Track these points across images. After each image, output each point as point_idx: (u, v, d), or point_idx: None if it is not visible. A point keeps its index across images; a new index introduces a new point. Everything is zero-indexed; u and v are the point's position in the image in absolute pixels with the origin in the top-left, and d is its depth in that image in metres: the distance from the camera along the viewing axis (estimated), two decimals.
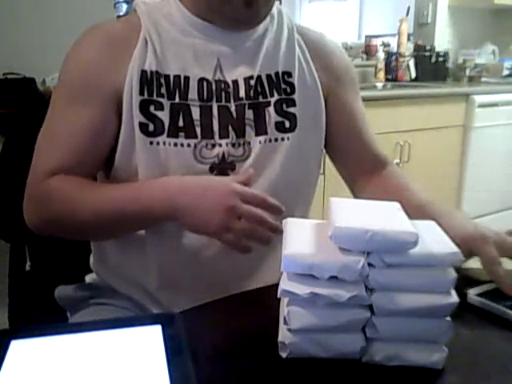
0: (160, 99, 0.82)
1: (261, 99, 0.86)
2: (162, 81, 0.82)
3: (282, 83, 0.88)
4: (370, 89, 2.84)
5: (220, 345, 0.64)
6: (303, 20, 4.40)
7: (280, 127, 0.87)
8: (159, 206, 0.76)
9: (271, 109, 0.87)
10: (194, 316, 0.70)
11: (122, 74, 0.81)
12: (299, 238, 0.61)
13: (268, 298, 0.65)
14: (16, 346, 0.49)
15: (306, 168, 0.92)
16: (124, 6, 2.08)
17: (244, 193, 0.72)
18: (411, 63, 3.10)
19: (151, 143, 0.81)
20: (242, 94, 0.85)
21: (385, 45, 3.15)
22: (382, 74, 3.01)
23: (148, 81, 0.81)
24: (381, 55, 3.02)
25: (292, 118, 0.88)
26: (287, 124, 0.88)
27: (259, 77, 0.87)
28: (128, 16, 0.91)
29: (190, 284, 0.86)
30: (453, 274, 0.57)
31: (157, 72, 0.82)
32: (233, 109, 0.84)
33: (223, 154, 0.84)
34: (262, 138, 0.86)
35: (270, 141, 0.86)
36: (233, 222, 0.71)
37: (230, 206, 0.71)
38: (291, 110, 0.88)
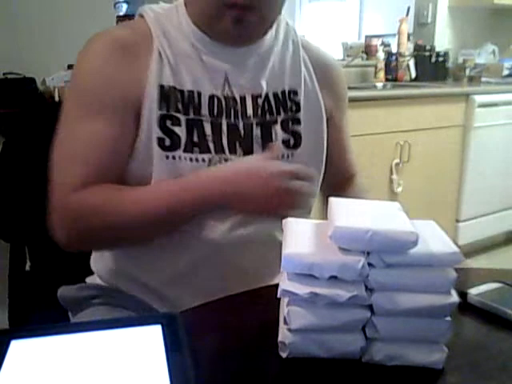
0: (177, 114, 0.82)
1: (268, 117, 0.88)
2: (179, 96, 0.83)
3: (288, 101, 0.90)
4: (369, 89, 2.84)
5: (220, 345, 0.64)
6: (303, 20, 4.41)
7: (285, 144, 0.89)
8: (213, 193, 0.80)
9: (278, 127, 0.88)
10: (194, 316, 0.70)
11: (139, 84, 0.81)
12: (299, 238, 0.61)
13: (268, 297, 0.65)
14: (16, 346, 0.49)
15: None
16: (124, 6, 2.08)
17: (283, 171, 0.80)
18: (411, 63, 3.10)
19: (167, 157, 0.81)
20: (249, 112, 0.86)
21: (385, 45, 3.15)
22: (381, 74, 3.00)
23: (166, 96, 0.82)
24: (381, 55, 3.02)
25: (297, 136, 0.90)
26: (292, 141, 0.89)
27: (266, 95, 0.88)
28: (132, 22, 0.90)
29: (201, 281, 0.86)
30: (453, 274, 0.57)
31: (174, 87, 0.82)
32: (241, 127, 0.86)
33: None
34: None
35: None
36: (282, 199, 0.80)
37: (276, 186, 0.79)
38: (296, 128, 0.90)
